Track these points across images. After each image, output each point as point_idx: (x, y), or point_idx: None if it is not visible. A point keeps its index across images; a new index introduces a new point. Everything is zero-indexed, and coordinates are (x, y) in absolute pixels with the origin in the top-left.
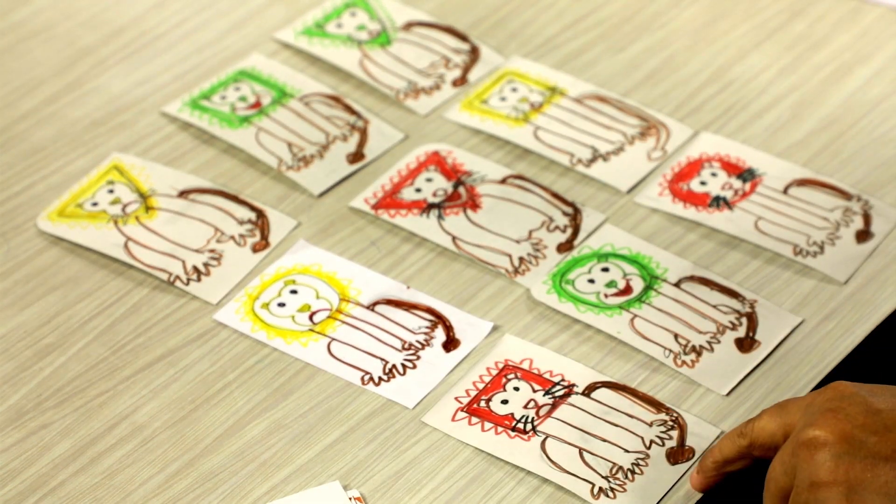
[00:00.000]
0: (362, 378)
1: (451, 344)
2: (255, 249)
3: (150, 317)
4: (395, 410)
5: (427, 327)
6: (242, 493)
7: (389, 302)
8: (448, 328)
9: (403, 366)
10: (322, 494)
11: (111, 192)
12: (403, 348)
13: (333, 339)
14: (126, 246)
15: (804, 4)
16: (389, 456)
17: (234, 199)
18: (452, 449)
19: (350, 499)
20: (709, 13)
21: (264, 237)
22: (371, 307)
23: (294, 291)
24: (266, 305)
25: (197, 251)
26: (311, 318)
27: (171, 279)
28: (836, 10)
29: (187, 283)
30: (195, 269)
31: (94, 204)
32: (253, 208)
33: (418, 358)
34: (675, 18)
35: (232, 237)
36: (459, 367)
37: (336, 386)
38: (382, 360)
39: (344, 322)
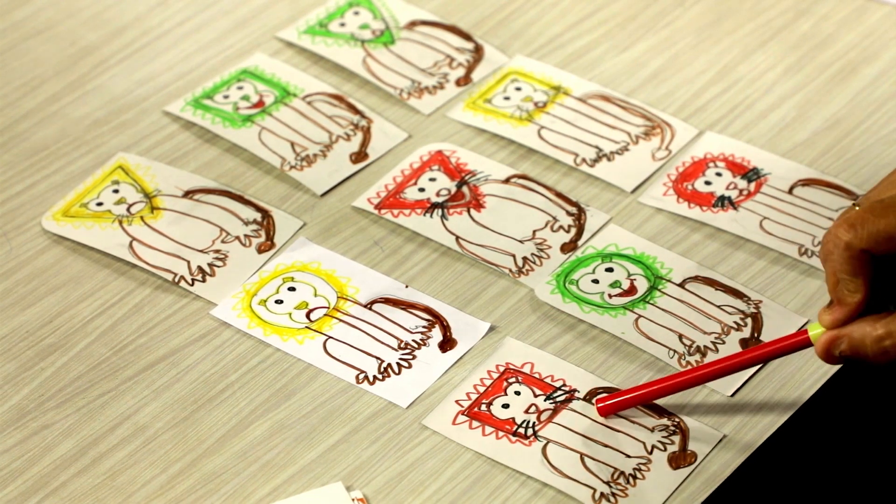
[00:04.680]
0: (357, 377)
1: (447, 344)
2: (260, 250)
3: (152, 317)
4: (398, 411)
5: (424, 327)
6: (245, 494)
7: (387, 301)
8: (445, 328)
9: (399, 365)
10: (325, 495)
11: (116, 191)
12: (399, 347)
13: (330, 338)
14: (131, 246)
15: (809, 3)
16: (392, 457)
17: (239, 199)
18: (455, 450)
19: (353, 500)
20: (713, 12)
21: (269, 238)
22: (369, 306)
23: (292, 289)
24: (263, 302)
25: (202, 251)
26: (308, 315)
27: (176, 279)
28: (841, 9)
29: (192, 284)
30: (200, 269)
31: (99, 204)
32: (258, 209)
33: (414, 357)
34: (680, 17)
35: (237, 237)
36: (459, 369)
37: (339, 386)
38: (378, 358)
39: (341, 320)
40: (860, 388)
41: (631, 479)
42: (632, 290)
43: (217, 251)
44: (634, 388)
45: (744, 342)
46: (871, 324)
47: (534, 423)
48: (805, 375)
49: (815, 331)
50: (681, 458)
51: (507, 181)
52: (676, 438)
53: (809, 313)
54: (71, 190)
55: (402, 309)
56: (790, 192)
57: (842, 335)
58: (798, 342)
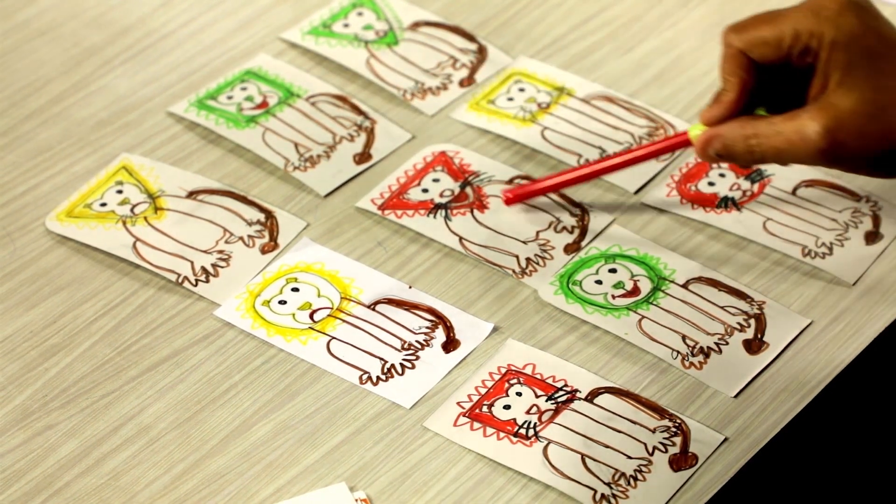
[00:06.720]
0: (360, 377)
1: (450, 344)
2: (263, 251)
3: (155, 317)
4: (402, 412)
5: (427, 327)
6: (248, 495)
7: (391, 301)
8: (448, 329)
9: (402, 365)
10: (328, 496)
11: (120, 192)
12: (403, 348)
13: (333, 338)
14: (134, 246)
15: None
16: (396, 458)
17: (242, 199)
18: (459, 451)
19: (356, 500)
20: (717, 13)
21: (273, 238)
22: (372, 306)
23: (296, 289)
24: (267, 303)
25: (205, 252)
26: (311, 316)
27: (180, 280)
28: None
29: (195, 284)
30: (203, 269)
31: (103, 204)
32: (262, 209)
33: (417, 358)
34: (684, 19)
35: (240, 238)
36: (461, 370)
37: (342, 387)
38: (381, 359)
39: (344, 321)
40: (863, 389)
41: (632, 481)
42: (635, 291)
43: (220, 252)
44: (538, 180)
45: (747, 343)
46: (742, 124)
47: (535, 423)
48: (809, 377)
49: (696, 131)
50: (682, 461)
51: (510, 182)
52: (678, 440)
53: (813, 314)
54: (75, 190)
55: (406, 310)
56: (793, 193)
57: (717, 134)
58: (680, 142)
